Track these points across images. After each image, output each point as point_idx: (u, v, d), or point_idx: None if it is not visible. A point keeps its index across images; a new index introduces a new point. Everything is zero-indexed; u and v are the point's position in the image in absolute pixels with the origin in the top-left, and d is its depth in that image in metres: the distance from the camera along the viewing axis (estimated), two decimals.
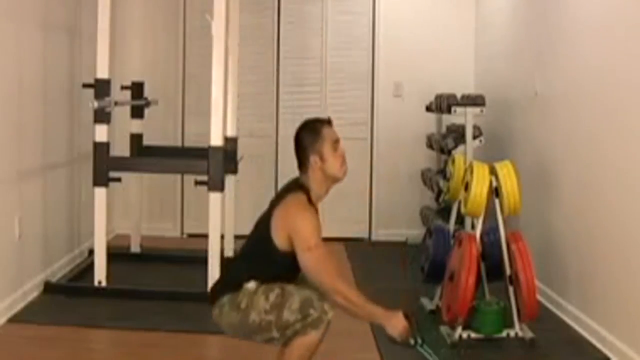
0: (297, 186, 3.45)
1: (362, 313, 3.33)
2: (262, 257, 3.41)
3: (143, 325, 4.85)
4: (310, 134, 3.45)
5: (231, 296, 3.38)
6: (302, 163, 3.47)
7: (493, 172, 4.75)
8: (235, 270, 3.55)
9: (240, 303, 3.35)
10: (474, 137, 6.05)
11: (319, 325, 3.29)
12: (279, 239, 3.35)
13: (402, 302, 5.43)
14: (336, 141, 3.47)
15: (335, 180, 3.49)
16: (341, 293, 3.29)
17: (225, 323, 3.44)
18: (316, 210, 3.44)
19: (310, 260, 3.29)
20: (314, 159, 3.42)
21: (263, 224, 3.43)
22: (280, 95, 7.60)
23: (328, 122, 3.53)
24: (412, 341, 3.32)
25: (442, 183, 6.14)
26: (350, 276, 6.21)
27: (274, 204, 3.45)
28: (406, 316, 3.31)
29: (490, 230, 4.79)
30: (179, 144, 7.52)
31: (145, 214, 7.00)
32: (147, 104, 6.48)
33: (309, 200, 3.41)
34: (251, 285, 3.36)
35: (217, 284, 3.63)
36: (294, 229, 3.32)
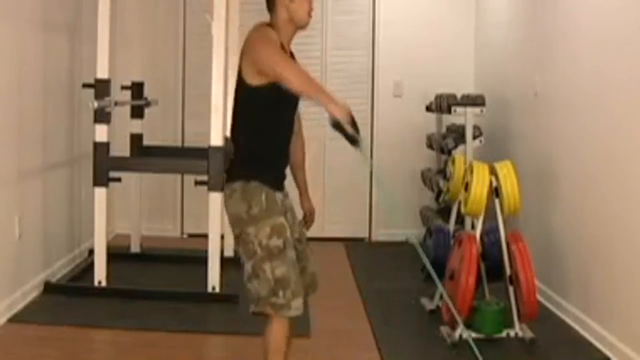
0: (262, 24, 3.40)
1: (309, 89, 3.21)
2: (248, 106, 3.36)
3: (143, 325, 4.85)
4: None
5: (246, 185, 3.32)
6: (271, 1, 3.42)
7: (493, 172, 4.75)
8: (240, 138, 3.45)
9: (252, 205, 3.30)
10: (474, 137, 6.05)
11: (277, 311, 3.27)
12: (251, 75, 3.29)
13: (402, 302, 5.48)
14: None
15: (299, 25, 3.42)
16: (292, 69, 3.22)
17: (231, 207, 3.38)
18: (287, 53, 3.36)
19: (276, 67, 3.20)
20: None
21: (238, 76, 3.37)
22: None
23: None
24: (350, 129, 3.16)
25: (442, 183, 6.14)
26: (350, 276, 6.22)
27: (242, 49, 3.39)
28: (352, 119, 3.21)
29: (490, 230, 4.79)
30: (179, 144, 7.51)
31: (145, 214, 7.00)
32: (147, 104, 6.48)
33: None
34: (265, 194, 3.30)
35: (234, 160, 3.48)
36: (257, 55, 3.26)
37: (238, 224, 3.36)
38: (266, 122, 3.37)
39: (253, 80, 3.30)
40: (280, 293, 3.26)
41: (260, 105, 3.35)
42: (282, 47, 3.35)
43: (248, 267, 3.32)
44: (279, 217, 3.33)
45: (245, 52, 3.35)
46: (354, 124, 3.18)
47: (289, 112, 3.46)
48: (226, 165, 3.52)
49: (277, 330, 3.31)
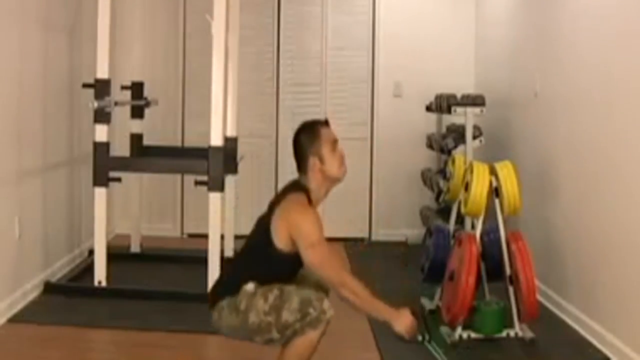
0: (297, 187, 3.46)
1: (368, 308, 3.34)
2: (262, 259, 3.41)
3: (143, 325, 4.85)
4: (308, 136, 3.45)
5: (230, 299, 3.38)
6: (301, 165, 3.47)
7: (493, 172, 4.75)
8: (234, 273, 3.54)
9: (240, 305, 3.35)
10: (474, 137, 6.06)
11: (318, 324, 3.29)
12: (280, 240, 3.35)
13: (402, 302, 5.47)
14: (334, 142, 3.47)
15: (334, 181, 3.50)
16: (348, 286, 3.30)
17: (225, 326, 3.44)
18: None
19: (315, 256, 3.30)
20: (313, 161, 3.42)
21: (263, 226, 3.43)
22: (280, 95, 7.60)
23: (325, 123, 3.53)
24: (419, 338, 3.31)
25: (442, 183, 6.14)
26: None
27: (273, 205, 3.45)
28: (413, 313, 3.31)
29: (490, 230, 4.79)
30: (179, 144, 7.52)
31: (145, 214, 7.00)
32: (147, 104, 6.48)
33: (309, 201, 3.42)
34: (250, 286, 3.36)
35: (216, 286, 3.62)
36: (296, 228, 3.32)
37: (241, 328, 3.39)
38: (276, 278, 3.40)
39: (283, 246, 3.36)
40: (311, 310, 3.28)
41: (277, 265, 3.40)
42: (311, 203, 3.43)
43: (275, 334, 3.33)
44: (265, 291, 3.35)
45: (283, 218, 3.37)
46: (417, 321, 3.30)
47: (297, 272, 3.53)
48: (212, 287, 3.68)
49: (314, 335, 3.32)
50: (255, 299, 3.33)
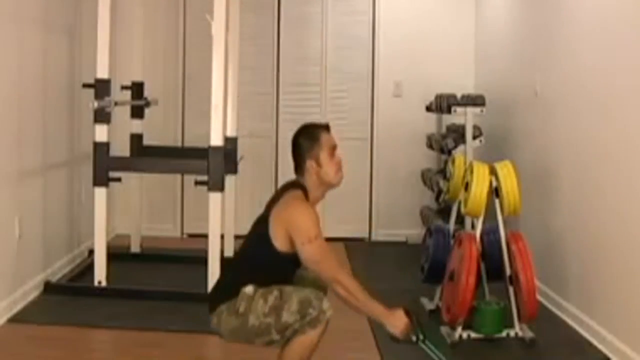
0: (294, 185, 3.46)
1: (362, 307, 3.34)
2: (260, 260, 3.41)
3: (143, 325, 4.85)
4: (308, 139, 3.46)
5: (229, 303, 3.38)
6: (299, 166, 3.48)
7: (493, 172, 4.75)
8: (232, 276, 3.54)
9: (239, 308, 3.35)
10: (474, 137, 6.06)
11: (318, 324, 3.30)
12: (278, 238, 3.35)
13: (402, 302, 5.47)
14: (333, 147, 3.48)
15: (330, 186, 3.51)
16: (342, 284, 3.31)
17: (225, 329, 3.44)
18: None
19: (311, 251, 3.30)
20: (310, 164, 3.43)
21: (260, 226, 3.43)
22: (280, 95, 7.60)
23: (326, 127, 3.53)
24: (413, 338, 3.31)
25: (442, 183, 6.14)
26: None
27: (271, 203, 3.45)
28: (406, 313, 3.31)
29: (490, 230, 4.79)
30: (179, 144, 7.52)
31: (145, 214, 7.00)
32: (147, 104, 6.48)
33: (307, 198, 3.42)
34: (249, 289, 3.36)
35: (215, 291, 3.61)
36: (293, 224, 3.32)
37: (241, 331, 3.39)
38: (275, 279, 3.40)
39: (281, 245, 3.36)
40: (310, 310, 3.28)
41: (275, 265, 3.40)
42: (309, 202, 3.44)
43: (275, 335, 3.33)
44: (264, 292, 3.35)
45: (280, 216, 3.37)
46: (411, 321, 3.31)
47: (293, 275, 3.53)
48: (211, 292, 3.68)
49: (313, 334, 3.32)
50: (255, 301, 3.32)
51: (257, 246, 3.44)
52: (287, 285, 3.38)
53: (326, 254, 3.34)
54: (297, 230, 3.31)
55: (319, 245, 3.32)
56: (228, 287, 3.44)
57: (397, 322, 3.28)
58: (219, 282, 3.68)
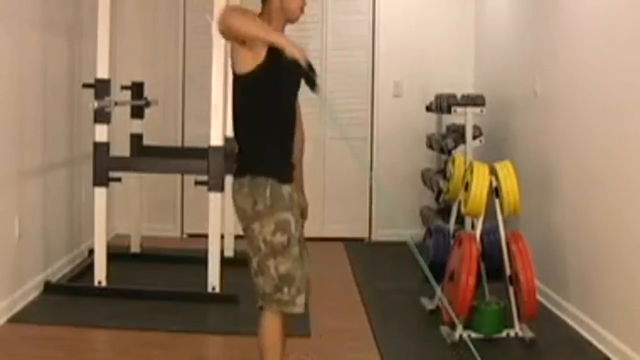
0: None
1: (258, 29, 3.21)
2: (249, 101, 3.34)
3: (143, 325, 4.85)
4: None
5: (253, 180, 3.31)
6: None
7: (493, 172, 4.75)
8: (243, 133, 3.42)
9: (257, 201, 3.30)
10: (474, 137, 6.06)
11: (281, 307, 3.30)
12: (240, 62, 3.28)
13: (402, 302, 5.48)
14: None
15: (289, 17, 3.45)
16: (238, 19, 3.21)
17: (238, 201, 3.37)
18: None
19: (228, 19, 3.21)
20: None
21: (233, 73, 3.36)
22: None
23: None
24: (313, 75, 3.19)
25: (442, 183, 6.14)
26: (350, 276, 6.21)
27: None
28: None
29: (490, 230, 4.79)
30: (179, 144, 7.52)
31: (145, 214, 7.00)
32: (147, 104, 6.48)
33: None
34: (271, 182, 3.30)
35: (240, 155, 3.45)
36: (223, 22, 3.22)
37: (244, 218, 3.37)
38: (267, 112, 3.35)
39: (243, 66, 3.28)
40: (285, 290, 3.28)
41: (258, 94, 3.33)
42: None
43: (254, 263, 3.34)
44: (284, 212, 3.32)
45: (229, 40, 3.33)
46: (310, 68, 3.18)
47: (288, 99, 3.45)
48: (234, 159, 3.50)
49: (270, 326, 3.33)
50: (268, 221, 3.28)
51: (240, 94, 3.36)
52: (297, 247, 3.34)
53: (233, 12, 3.26)
54: (224, 21, 3.21)
55: (235, 13, 3.23)
56: (250, 157, 3.37)
57: (300, 50, 3.19)
58: (240, 153, 3.48)
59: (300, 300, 3.31)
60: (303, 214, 3.58)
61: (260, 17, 3.36)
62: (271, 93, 3.35)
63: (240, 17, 3.21)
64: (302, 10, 3.47)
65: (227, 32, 3.26)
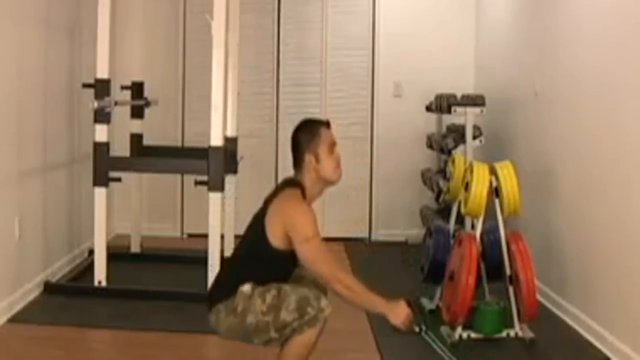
0: (292, 183, 3.46)
1: (363, 301, 3.34)
2: (257, 258, 3.41)
3: (143, 325, 4.85)
4: (308, 134, 3.46)
5: (227, 301, 3.38)
6: (297, 162, 3.47)
7: (493, 172, 4.75)
8: (230, 274, 3.53)
9: (237, 307, 3.35)
10: (474, 137, 6.06)
11: (316, 323, 3.30)
12: (275, 236, 3.35)
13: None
14: (333, 144, 3.47)
15: (327, 182, 3.49)
16: (341, 281, 3.30)
17: (223, 328, 3.44)
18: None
19: (309, 251, 3.30)
20: (309, 159, 3.42)
21: (257, 223, 3.43)
22: (280, 95, 7.60)
23: (327, 124, 3.53)
24: (416, 329, 3.31)
25: (442, 183, 6.14)
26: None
27: (268, 201, 3.45)
28: (408, 304, 3.31)
29: (490, 230, 4.79)
30: (179, 144, 7.52)
31: (145, 214, 7.00)
32: (147, 104, 6.48)
33: (304, 196, 3.42)
34: (246, 288, 3.36)
35: (213, 289, 3.61)
36: (290, 222, 3.32)
37: (241, 331, 3.39)
38: (273, 277, 3.41)
39: (278, 242, 3.36)
40: (309, 309, 3.28)
41: (272, 263, 3.40)
42: (306, 200, 3.43)
43: (274, 334, 3.33)
44: (257, 298, 3.35)
45: (277, 214, 3.37)
46: (413, 312, 3.31)
47: (289, 273, 3.54)
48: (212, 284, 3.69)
49: (311, 333, 3.32)
50: (253, 300, 3.33)
51: (254, 244, 3.43)
52: (285, 284, 3.38)
53: (323, 253, 3.33)
54: (294, 229, 3.31)
55: (315, 245, 3.31)
56: (226, 286, 3.44)
57: (399, 312, 3.27)
58: (217, 280, 3.68)
59: (324, 302, 3.31)
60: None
61: (300, 188, 3.43)
62: (285, 267, 3.47)
63: (351, 283, 3.33)
64: (337, 171, 3.48)
65: (323, 280, 3.37)
